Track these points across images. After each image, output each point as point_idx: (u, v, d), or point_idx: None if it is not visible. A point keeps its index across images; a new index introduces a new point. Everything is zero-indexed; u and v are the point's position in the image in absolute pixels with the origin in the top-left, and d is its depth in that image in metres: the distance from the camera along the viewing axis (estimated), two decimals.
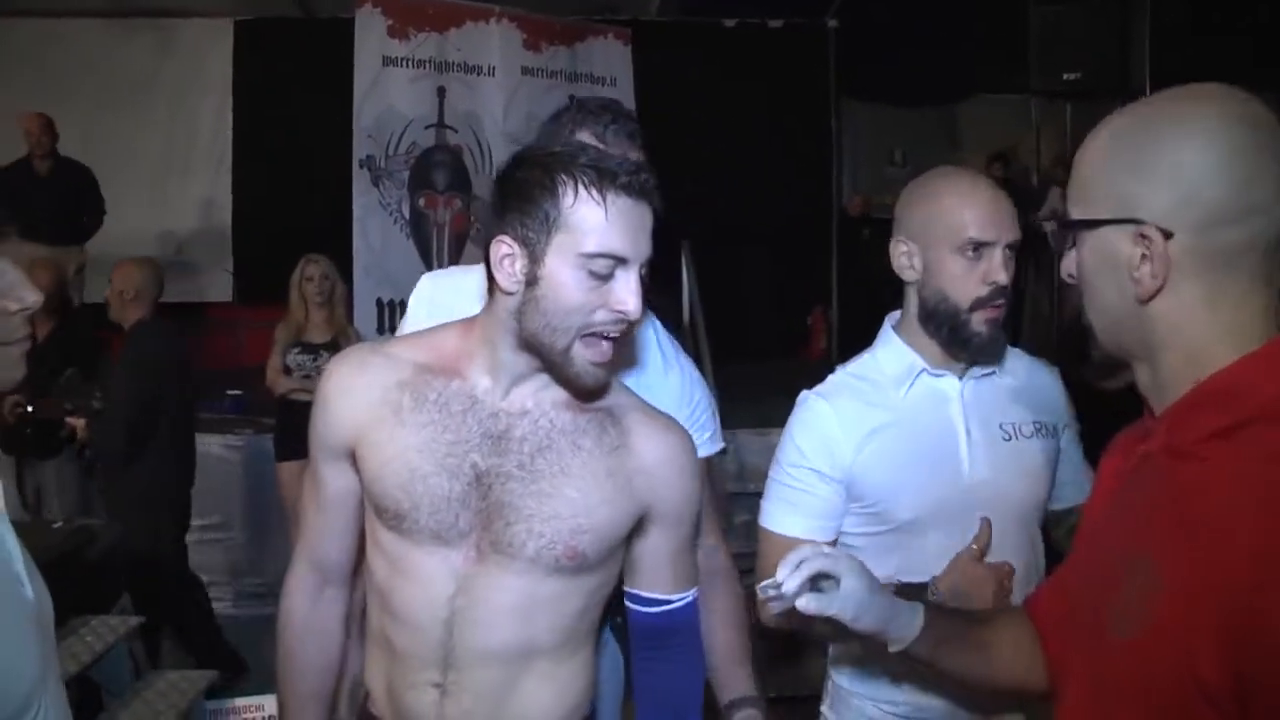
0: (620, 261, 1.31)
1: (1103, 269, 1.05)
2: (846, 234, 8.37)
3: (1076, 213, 1.08)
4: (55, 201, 5.80)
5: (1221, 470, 0.94)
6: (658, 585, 1.49)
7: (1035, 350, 1.83)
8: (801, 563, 1.24)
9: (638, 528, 1.45)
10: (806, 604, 1.22)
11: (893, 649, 1.28)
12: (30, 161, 6.00)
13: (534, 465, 1.38)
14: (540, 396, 1.41)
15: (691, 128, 7.43)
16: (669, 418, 1.49)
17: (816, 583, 1.24)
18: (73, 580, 3.31)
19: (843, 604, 1.23)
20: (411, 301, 1.83)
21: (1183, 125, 1.00)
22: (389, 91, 5.91)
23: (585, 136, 1.61)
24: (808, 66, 7.95)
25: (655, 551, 1.47)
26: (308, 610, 1.55)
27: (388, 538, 1.42)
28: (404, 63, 5.95)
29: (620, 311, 1.31)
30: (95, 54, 7.30)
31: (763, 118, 7.69)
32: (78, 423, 4.00)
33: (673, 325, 4.50)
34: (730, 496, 4.47)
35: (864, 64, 8.05)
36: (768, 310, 7.92)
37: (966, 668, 1.32)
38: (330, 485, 1.48)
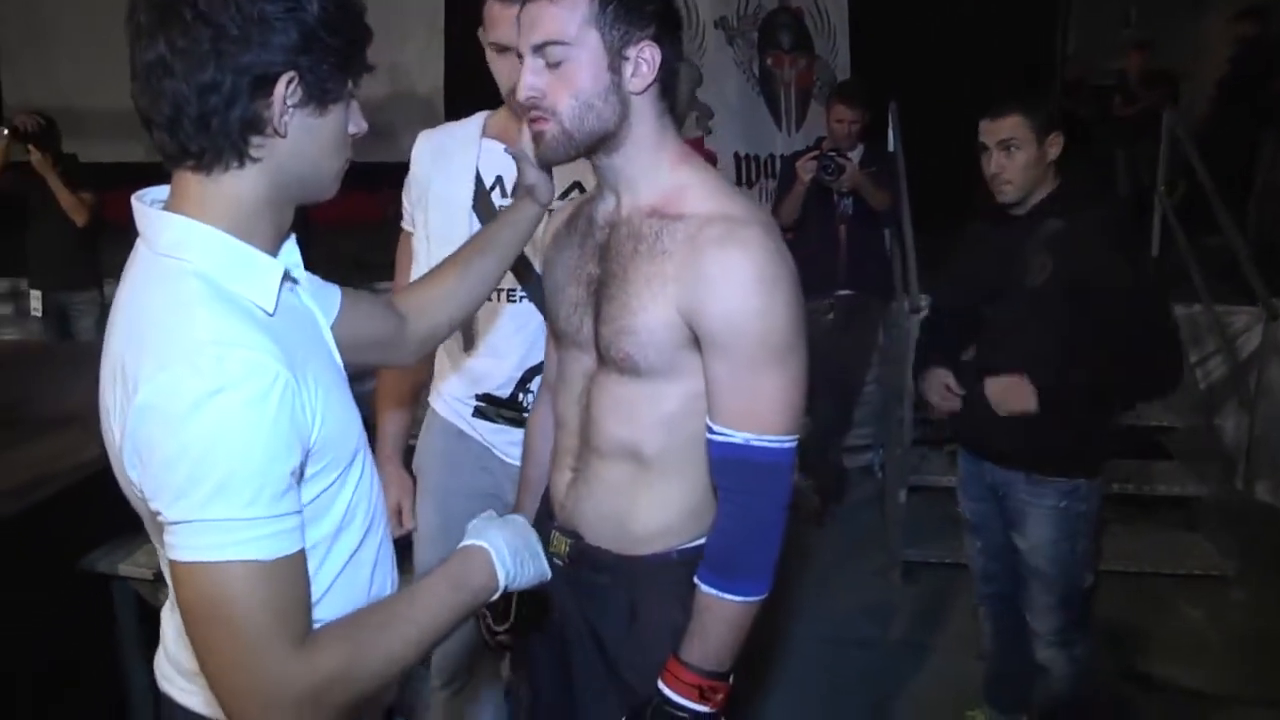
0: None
1: None
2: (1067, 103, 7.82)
3: None
4: None
5: None
6: (711, 411, 1.44)
7: None
8: None
9: (699, 343, 1.42)
10: None
11: None
12: None
13: (612, 270, 1.49)
14: (629, 203, 1.51)
15: None
16: (761, 231, 1.39)
17: None
18: None
19: None
20: (411, 158, 2.14)
21: None
22: None
23: None
24: None
25: (709, 373, 1.43)
26: (543, 411, 1.81)
27: (553, 350, 1.70)
28: None
29: None
30: None
31: None
32: None
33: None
34: None
35: None
36: (974, 179, 7.52)
37: None
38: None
